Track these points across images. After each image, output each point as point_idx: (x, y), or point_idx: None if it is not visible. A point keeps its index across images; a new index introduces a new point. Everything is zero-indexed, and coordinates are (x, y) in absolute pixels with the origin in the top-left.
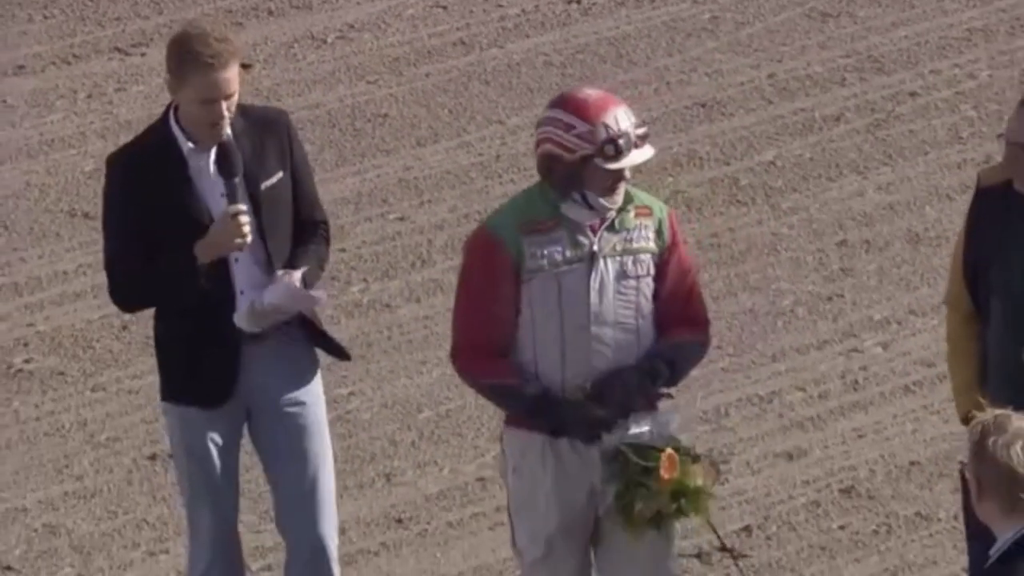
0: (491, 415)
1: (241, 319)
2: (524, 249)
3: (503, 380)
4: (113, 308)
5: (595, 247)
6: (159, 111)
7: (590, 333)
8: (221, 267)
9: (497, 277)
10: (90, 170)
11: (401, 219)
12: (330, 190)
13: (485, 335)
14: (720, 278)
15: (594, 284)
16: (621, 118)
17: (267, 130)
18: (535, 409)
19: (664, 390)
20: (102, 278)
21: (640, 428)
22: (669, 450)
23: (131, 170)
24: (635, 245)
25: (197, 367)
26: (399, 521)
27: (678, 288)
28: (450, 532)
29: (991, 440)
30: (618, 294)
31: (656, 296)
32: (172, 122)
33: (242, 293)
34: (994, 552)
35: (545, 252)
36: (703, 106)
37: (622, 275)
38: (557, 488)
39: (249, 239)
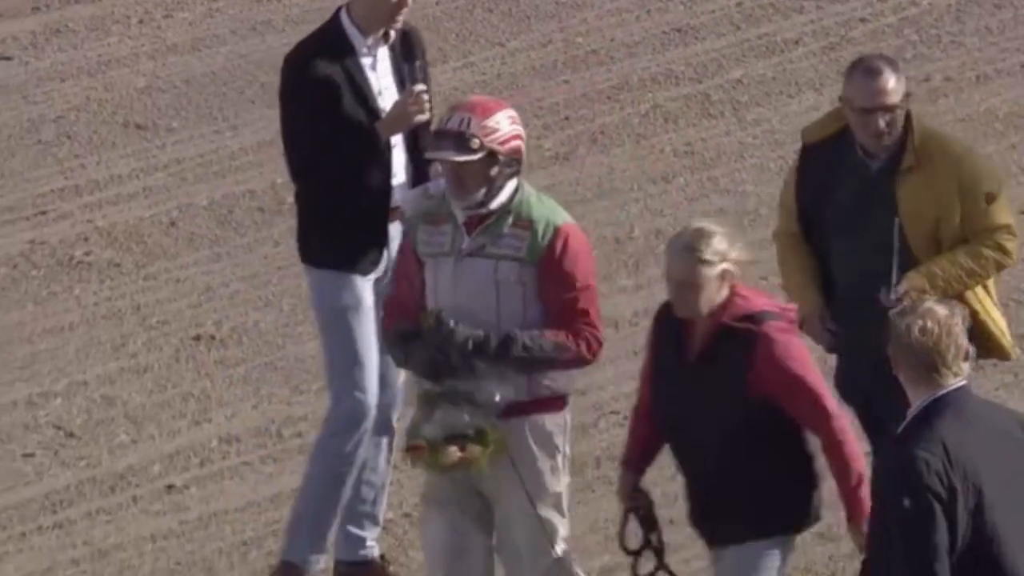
0: None
1: (406, 199)
2: (419, 237)
3: (387, 326)
4: (163, 207)
5: (462, 245)
6: (203, 34)
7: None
8: (385, 152)
9: (403, 256)
10: (141, 87)
11: None
12: None
13: (393, 297)
14: (694, 182)
15: (454, 278)
16: (449, 119)
17: (410, 39)
18: (395, 340)
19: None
20: (153, 181)
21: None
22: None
23: (311, 64)
24: (498, 251)
25: (364, 238)
26: None
27: (555, 302)
28: None
29: (903, 321)
30: (475, 292)
31: (541, 304)
32: (346, 20)
33: (396, 176)
34: (905, 420)
35: (428, 240)
36: (679, 31)
37: (483, 276)
38: None
39: (428, 115)
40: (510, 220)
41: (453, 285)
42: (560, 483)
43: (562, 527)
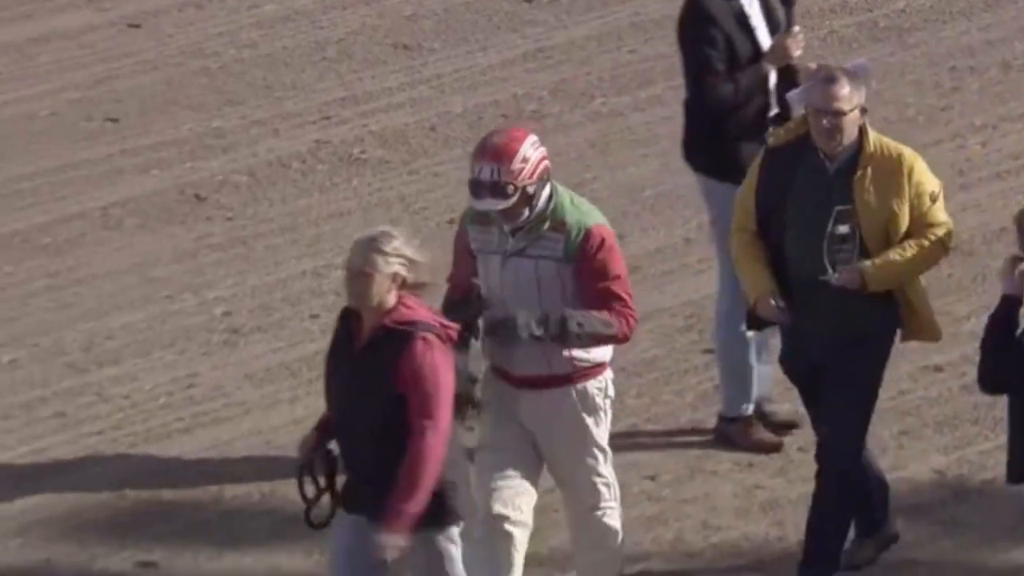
0: (695, 194)
1: (791, 98)
2: (471, 234)
3: (445, 298)
4: (425, 115)
5: (507, 246)
6: None
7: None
8: (766, 80)
9: (458, 247)
10: (408, 14)
11: (631, 51)
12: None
13: (452, 279)
14: None
15: (501, 273)
16: (481, 169)
17: None
18: (449, 306)
19: (540, 331)
20: (416, 93)
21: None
22: None
23: (706, 2)
24: (538, 252)
25: (744, 152)
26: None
27: (592, 292)
28: (665, 277)
29: None
30: (520, 286)
31: (578, 298)
32: None
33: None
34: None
35: (479, 239)
36: None
37: (526, 273)
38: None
39: (800, 52)
40: (547, 225)
41: (500, 279)
42: (603, 437)
43: (607, 472)
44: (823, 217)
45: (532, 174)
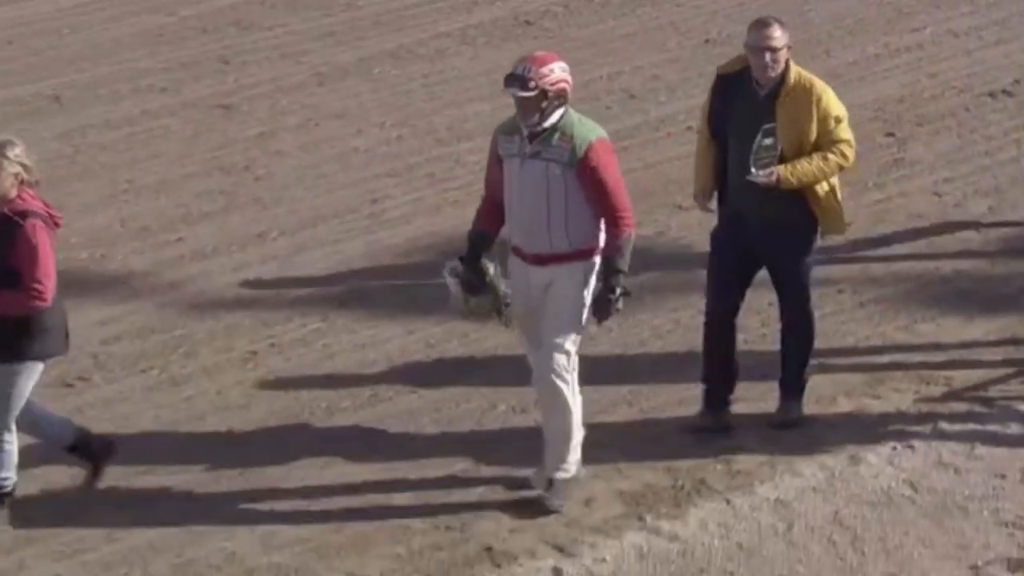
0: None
1: None
2: (499, 143)
3: (477, 219)
4: None
5: (526, 150)
6: None
7: (512, 207)
8: None
9: (491, 158)
10: None
11: None
12: None
13: (485, 192)
14: None
15: (520, 173)
16: (518, 67)
17: None
18: (469, 241)
19: (619, 292)
20: None
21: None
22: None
23: None
24: (549, 156)
25: None
26: None
27: (591, 193)
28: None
29: None
30: (533, 183)
31: (577, 198)
32: None
33: None
34: None
35: (505, 146)
36: None
37: (538, 172)
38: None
39: None
40: (557, 135)
41: (519, 178)
42: (584, 301)
43: (570, 346)
44: (754, 131)
45: (553, 83)
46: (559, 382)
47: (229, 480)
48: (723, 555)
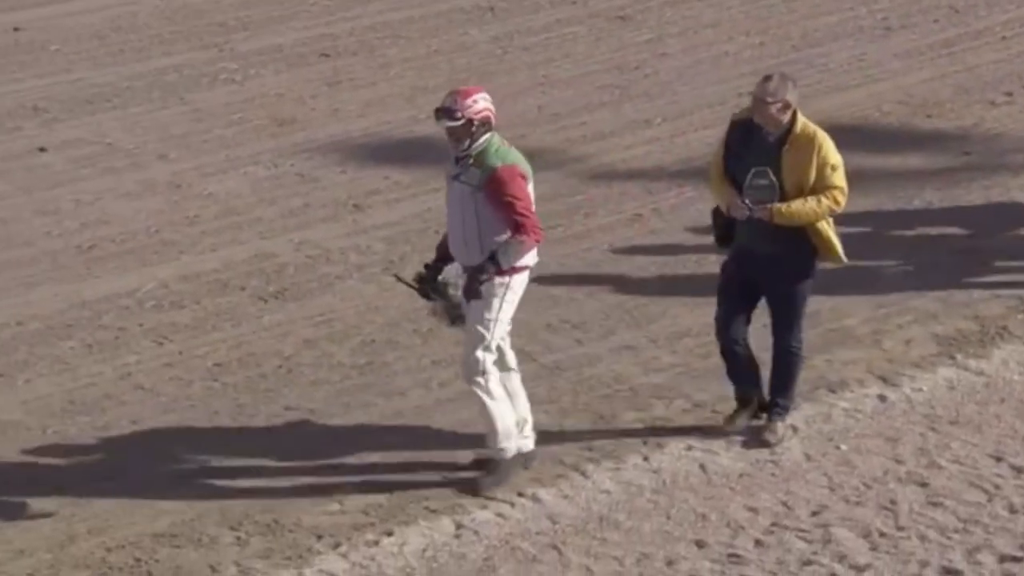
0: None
1: None
2: (447, 166)
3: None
4: None
5: (453, 172)
6: None
7: (447, 222)
8: None
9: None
10: None
11: None
12: None
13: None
14: None
15: (449, 192)
16: (445, 99)
17: None
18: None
19: (485, 277)
20: None
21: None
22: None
23: None
24: (466, 179)
25: None
26: None
27: (498, 212)
28: None
29: None
30: (456, 202)
31: (486, 216)
32: None
33: None
34: None
35: (447, 167)
36: None
37: (459, 193)
38: None
39: None
40: (472, 160)
41: (448, 197)
42: (497, 315)
43: (481, 354)
44: (761, 173)
45: (477, 112)
46: (472, 385)
47: None
48: (1021, 388)
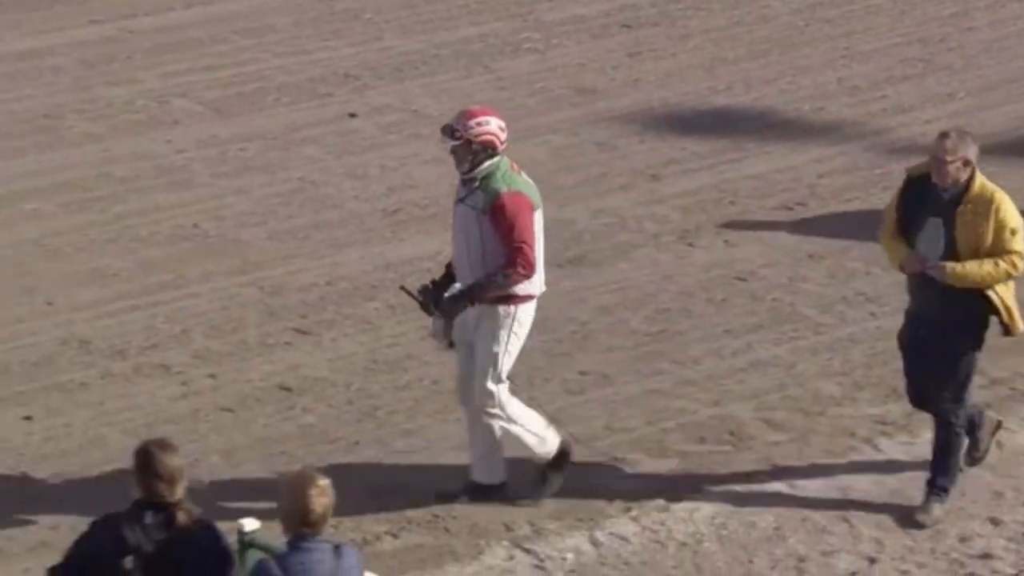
0: None
1: None
2: (457, 189)
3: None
4: None
5: (460, 195)
6: None
7: (454, 247)
8: None
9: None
10: None
11: None
12: None
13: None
14: None
15: (456, 214)
16: (453, 118)
17: None
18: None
19: (461, 306)
20: None
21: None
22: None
23: None
24: (471, 202)
25: None
26: None
27: (496, 237)
28: None
29: None
30: (461, 224)
31: (487, 241)
32: None
33: None
34: None
35: (457, 189)
36: None
37: (463, 215)
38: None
39: None
40: (477, 184)
41: (454, 219)
42: (500, 353)
43: (492, 385)
44: (937, 232)
45: (477, 136)
46: (488, 419)
47: None
48: None
